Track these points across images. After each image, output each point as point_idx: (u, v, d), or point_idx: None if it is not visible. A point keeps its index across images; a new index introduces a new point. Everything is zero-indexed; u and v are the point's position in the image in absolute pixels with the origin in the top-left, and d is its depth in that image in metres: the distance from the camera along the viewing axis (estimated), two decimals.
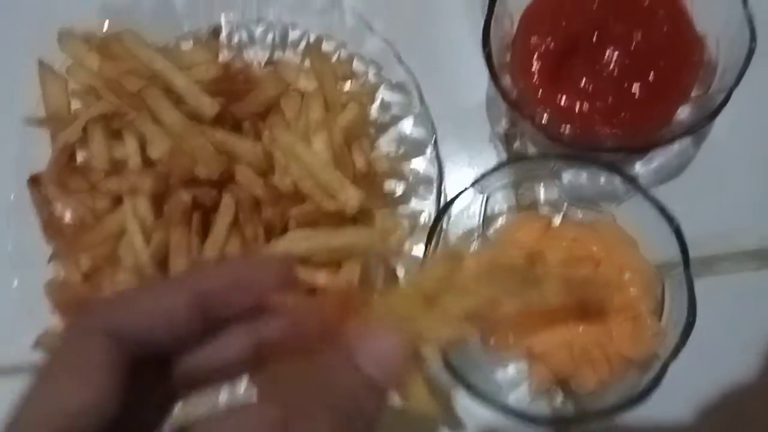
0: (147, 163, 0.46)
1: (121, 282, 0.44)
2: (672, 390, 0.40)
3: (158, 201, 0.45)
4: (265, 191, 0.45)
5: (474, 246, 0.50)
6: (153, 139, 0.45)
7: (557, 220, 0.49)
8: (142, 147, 0.46)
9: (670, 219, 0.42)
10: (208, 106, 0.45)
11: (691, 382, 0.47)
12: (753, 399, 0.48)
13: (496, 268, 0.34)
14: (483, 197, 0.49)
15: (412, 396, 0.27)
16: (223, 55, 0.52)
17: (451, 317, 0.30)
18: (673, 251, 0.42)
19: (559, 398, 0.47)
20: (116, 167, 0.46)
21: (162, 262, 0.44)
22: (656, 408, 0.42)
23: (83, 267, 0.45)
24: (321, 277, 0.45)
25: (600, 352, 0.43)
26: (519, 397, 0.45)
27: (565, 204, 0.49)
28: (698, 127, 0.44)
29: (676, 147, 0.52)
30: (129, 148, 0.45)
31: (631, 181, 0.43)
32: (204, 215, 0.45)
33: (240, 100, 0.48)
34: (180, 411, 0.28)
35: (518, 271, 0.36)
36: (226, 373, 0.27)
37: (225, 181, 0.45)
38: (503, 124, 0.54)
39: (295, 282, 0.28)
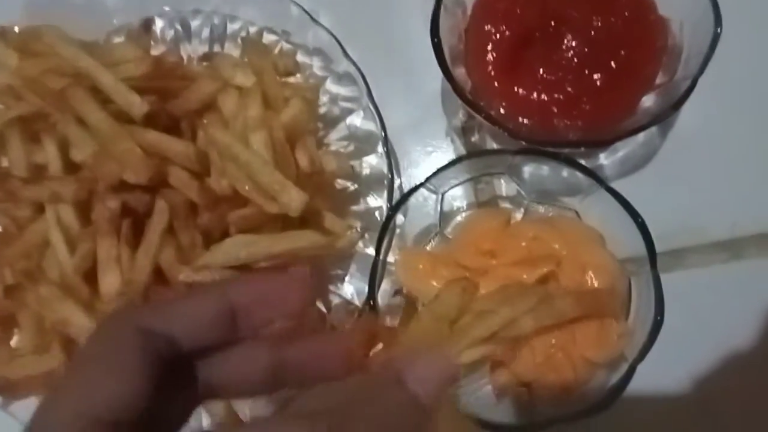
0: (71, 168, 0.42)
1: (46, 296, 0.40)
2: (640, 386, 0.38)
3: (84, 208, 0.41)
4: (201, 195, 0.41)
5: (432, 245, 0.47)
6: (77, 142, 0.41)
7: (517, 216, 0.46)
8: (66, 151, 0.42)
9: (634, 215, 0.39)
10: (137, 105, 0.42)
11: (660, 378, 0.45)
12: (723, 395, 0.46)
13: (509, 288, 0.37)
14: (438, 196, 0.46)
15: (445, 416, 0.28)
16: (156, 51, 0.48)
17: (475, 339, 0.33)
18: (639, 247, 0.39)
19: (521, 403, 0.44)
20: (38, 173, 0.42)
21: (89, 274, 0.41)
22: (624, 405, 0.39)
23: (5, 281, 0.42)
24: None
25: (564, 355, 0.41)
26: (480, 403, 0.42)
27: (525, 200, 0.46)
28: (663, 117, 0.42)
29: (641, 137, 0.49)
30: (49, 153, 0.41)
31: (593, 175, 0.41)
32: (135, 222, 0.42)
33: (175, 97, 0.45)
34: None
35: (531, 289, 0.37)
36: (245, 388, 0.29)
37: (158, 185, 0.42)
38: (460, 117, 0.51)
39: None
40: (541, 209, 0.47)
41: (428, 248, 0.47)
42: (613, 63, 0.44)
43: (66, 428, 0.22)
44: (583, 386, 0.40)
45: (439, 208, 0.47)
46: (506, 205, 0.49)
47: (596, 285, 0.40)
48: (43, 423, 0.23)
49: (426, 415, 0.25)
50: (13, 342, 0.44)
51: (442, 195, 0.47)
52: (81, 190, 0.40)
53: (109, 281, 0.40)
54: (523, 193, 0.47)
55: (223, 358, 0.28)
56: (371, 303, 0.42)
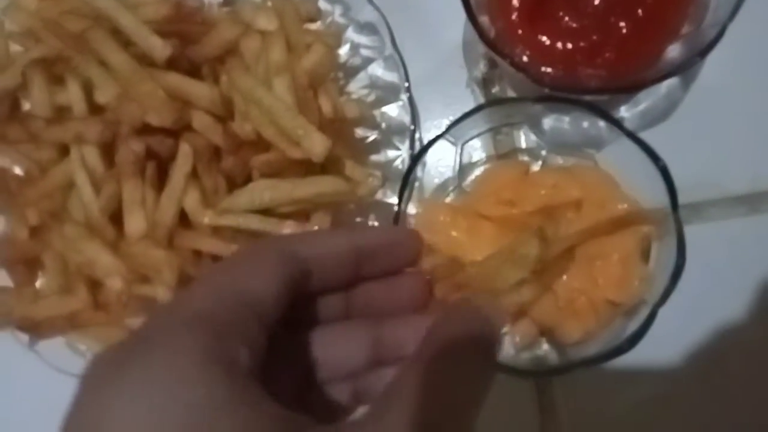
0: (94, 109, 0.42)
1: (71, 237, 0.41)
2: (659, 338, 0.38)
3: (108, 150, 0.42)
4: (225, 139, 0.42)
5: (450, 197, 0.47)
6: (99, 84, 0.41)
7: (536, 167, 0.46)
8: (89, 93, 0.42)
9: (655, 159, 0.39)
10: (160, 47, 0.42)
11: (679, 331, 0.45)
12: (741, 346, 0.47)
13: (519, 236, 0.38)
14: (458, 147, 0.46)
15: None
16: None
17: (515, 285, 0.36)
18: (660, 194, 0.39)
19: (543, 348, 0.45)
20: (60, 115, 0.42)
21: (114, 215, 0.41)
22: (642, 355, 0.40)
23: (30, 222, 0.42)
24: (288, 228, 0.42)
25: (586, 300, 0.41)
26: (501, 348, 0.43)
27: (544, 151, 0.46)
28: (688, 66, 0.41)
29: (663, 89, 0.49)
30: (72, 94, 0.41)
31: (613, 121, 0.40)
32: (159, 165, 0.42)
33: (196, 42, 0.44)
34: None
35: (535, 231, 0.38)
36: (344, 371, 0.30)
37: (181, 128, 0.42)
38: (481, 68, 0.51)
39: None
40: (560, 160, 0.47)
41: (447, 201, 0.47)
42: (639, 10, 0.44)
43: (216, 303, 0.24)
44: (604, 330, 0.40)
45: (458, 160, 0.47)
46: (524, 157, 0.48)
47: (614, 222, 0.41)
48: (188, 298, 0.24)
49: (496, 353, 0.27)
50: (38, 284, 0.45)
51: (462, 146, 0.46)
52: (106, 131, 0.40)
53: (134, 223, 0.40)
54: (542, 143, 0.47)
55: (328, 330, 0.30)
56: None
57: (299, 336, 0.29)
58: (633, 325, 0.39)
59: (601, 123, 0.42)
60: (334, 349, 0.29)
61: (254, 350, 0.23)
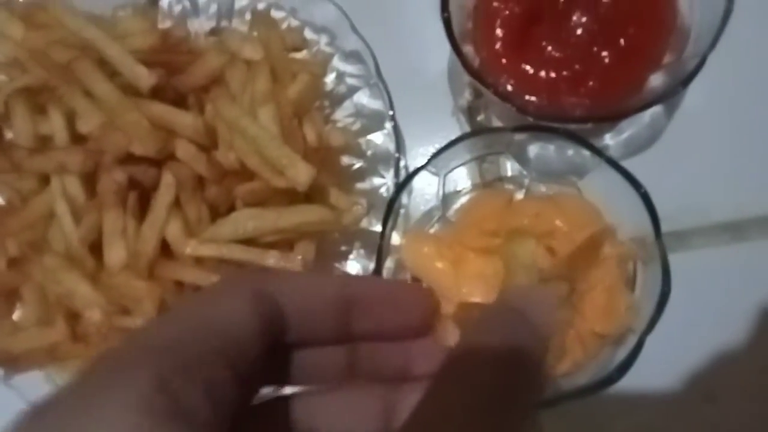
0: (77, 140, 0.42)
1: (50, 267, 0.40)
2: (646, 367, 0.38)
3: (90, 180, 0.41)
4: (209, 168, 0.41)
5: (435, 227, 0.47)
6: (83, 113, 0.41)
7: (519, 196, 0.46)
8: (72, 122, 0.42)
9: (637, 186, 0.39)
10: (145, 77, 0.42)
11: (666, 359, 0.44)
12: (726, 377, 0.47)
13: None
14: (440, 178, 0.45)
15: None
16: (163, 26, 0.48)
17: None
18: (643, 221, 0.39)
19: None
20: (43, 144, 0.42)
21: (95, 246, 0.40)
22: (630, 385, 0.39)
23: (10, 252, 0.41)
24: (272, 258, 0.41)
25: (572, 332, 0.41)
26: None
27: (526, 179, 0.46)
28: (670, 95, 0.42)
29: (647, 117, 0.49)
30: (55, 123, 0.41)
31: (594, 149, 0.40)
32: (142, 195, 0.42)
33: (181, 72, 0.44)
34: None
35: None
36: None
37: (165, 158, 0.42)
38: (466, 96, 0.51)
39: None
40: (543, 188, 0.47)
41: (432, 231, 0.47)
42: (621, 40, 0.44)
43: (179, 333, 0.20)
44: (592, 361, 0.40)
45: (441, 190, 0.47)
46: (509, 185, 0.48)
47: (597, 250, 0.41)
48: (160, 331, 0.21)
49: (546, 343, 0.25)
50: (16, 316, 0.44)
51: (444, 177, 0.46)
52: (87, 161, 0.40)
53: (115, 253, 0.40)
54: (524, 172, 0.47)
55: (329, 396, 0.26)
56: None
57: (292, 401, 0.25)
58: (621, 355, 0.39)
59: (585, 151, 0.42)
60: (335, 417, 0.25)
61: (220, 402, 0.19)
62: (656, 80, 0.45)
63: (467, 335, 0.24)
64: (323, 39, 0.49)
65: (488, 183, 0.49)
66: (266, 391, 0.25)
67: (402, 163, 0.50)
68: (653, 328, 0.38)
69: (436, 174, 0.44)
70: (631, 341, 0.39)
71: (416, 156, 0.51)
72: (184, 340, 0.20)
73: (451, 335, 0.29)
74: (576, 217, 0.42)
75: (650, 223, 0.40)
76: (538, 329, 0.24)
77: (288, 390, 0.26)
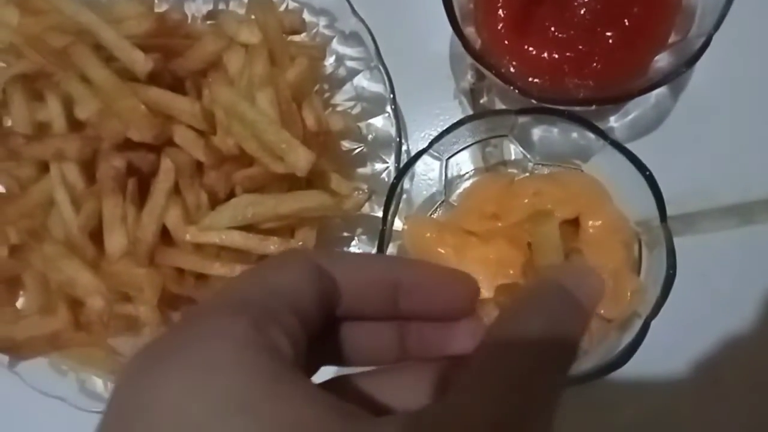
0: (75, 126, 0.41)
1: (51, 255, 0.40)
2: (653, 351, 0.37)
3: (89, 167, 0.41)
4: (207, 154, 0.41)
5: (438, 212, 0.46)
6: (80, 100, 0.41)
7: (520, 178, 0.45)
8: (69, 109, 0.41)
9: (642, 168, 0.39)
10: (142, 62, 0.41)
11: (673, 343, 0.44)
12: (733, 360, 0.46)
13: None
14: (442, 162, 0.45)
15: None
16: (160, 9, 0.47)
17: None
18: (649, 204, 0.39)
19: None
20: (41, 131, 0.42)
21: (95, 233, 0.40)
22: (637, 369, 0.40)
23: (10, 240, 0.41)
24: (272, 245, 0.41)
25: None
26: None
27: (530, 163, 0.45)
28: (675, 75, 0.41)
29: (652, 99, 0.48)
30: (52, 110, 0.41)
31: (598, 131, 0.40)
32: (141, 181, 0.41)
33: (179, 56, 0.44)
34: None
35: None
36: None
37: (163, 144, 0.41)
38: (468, 79, 0.50)
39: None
40: (546, 170, 0.46)
41: (434, 216, 0.47)
42: (625, 20, 0.43)
43: (256, 292, 0.23)
44: (598, 345, 0.40)
45: (443, 175, 0.46)
46: (513, 169, 0.48)
47: (600, 231, 0.40)
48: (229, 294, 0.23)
49: (588, 319, 0.25)
50: (19, 303, 0.44)
51: (446, 161, 0.46)
52: (86, 148, 0.40)
53: (115, 240, 0.40)
54: (528, 155, 0.46)
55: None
56: None
57: (349, 380, 0.26)
58: (626, 339, 0.39)
59: (589, 134, 0.42)
60: (391, 395, 0.26)
61: (296, 345, 0.22)
62: (661, 61, 0.44)
63: (506, 316, 0.25)
64: (322, 21, 0.48)
65: (491, 167, 0.48)
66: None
67: (404, 148, 0.49)
68: (659, 312, 0.38)
69: (438, 158, 0.44)
70: (637, 325, 0.38)
71: (418, 140, 0.51)
72: (263, 297, 0.23)
73: (490, 316, 0.30)
74: (578, 192, 0.42)
75: (655, 207, 0.39)
76: (582, 307, 0.25)
77: (345, 370, 0.27)
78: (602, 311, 0.40)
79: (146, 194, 0.41)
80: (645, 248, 0.41)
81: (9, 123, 0.45)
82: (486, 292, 0.38)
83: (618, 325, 0.40)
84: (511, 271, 0.41)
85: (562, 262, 0.35)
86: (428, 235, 0.42)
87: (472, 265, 0.40)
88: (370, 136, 0.48)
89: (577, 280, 0.26)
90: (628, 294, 0.40)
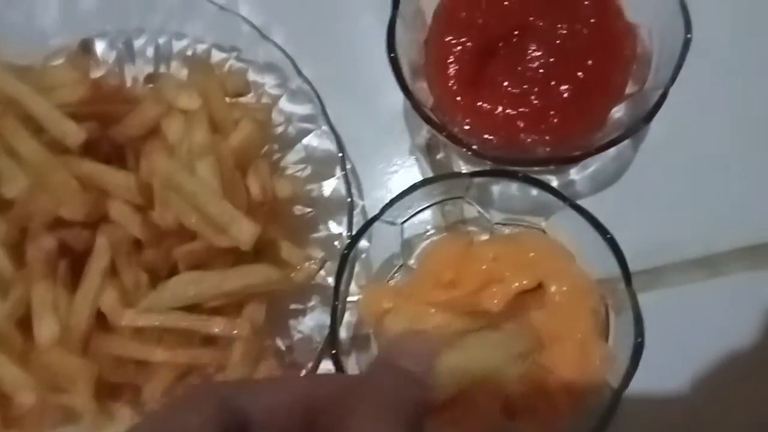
0: (1, 205, 0.39)
1: None
2: (623, 407, 0.36)
3: (17, 249, 0.38)
4: (145, 230, 0.38)
5: (396, 277, 0.44)
6: (7, 176, 0.38)
7: (483, 238, 0.43)
8: None
9: (602, 231, 0.37)
10: (74, 133, 0.39)
11: (642, 399, 0.42)
12: (706, 413, 0.44)
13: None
14: (398, 227, 0.43)
15: None
16: (98, 73, 0.45)
17: None
18: (612, 266, 0.37)
19: None
20: None
21: (23, 321, 0.37)
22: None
23: None
24: (217, 326, 0.39)
25: (541, 390, 0.39)
26: None
27: (489, 223, 0.43)
28: (633, 131, 0.40)
29: (612, 151, 0.47)
30: None
31: (557, 193, 0.38)
32: (74, 261, 0.39)
33: (117, 122, 0.42)
34: None
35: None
36: None
37: (97, 220, 0.39)
38: (424, 134, 0.49)
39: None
40: (507, 231, 0.45)
41: (393, 282, 0.44)
42: (580, 73, 0.42)
43: None
44: (570, 417, 0.38)
45: (401, 239, 0.44)
46: (472, 227, 0.46)
47: (565, 297, 0.38)
48: None
49: (423, 385, 0.29)
50: None
51: (402, 225, 0.44)
52: (12, 231, 0.37)
53: (45, 329, 0.37)
54: (486, 215, 0.44)
55: None
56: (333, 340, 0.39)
57: None
58: (600, 408, 0.36)
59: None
60: None
61: None
62: (619, 112, 0.43)
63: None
64: (269, 80, 0.46)
65: (450, 225, 0.46)
66: None
67: (360, 206, 0.48)
68: (630, 382, 0.36)
69: (392, 223, 0.42)
70: (608, 395, 0.36)
71: (376, 199, 0.48)
72: None
73: None
74: (540, 257, 0.40)
75: (619, 269, 0.38)
76: (413, 374, 0.29)
77: None
78: (573, 381, 0.38)
79: (80, 275, 0.38)
80: (612, 312, 0.40)
81: None
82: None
83: (588, 395, 0.39)
84: None
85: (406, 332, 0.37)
86: (384, 305, 0.40)
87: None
88: (325, 196, 0.45)
89: (405, 355, 0.30)
90: (597, 362, 0.38)
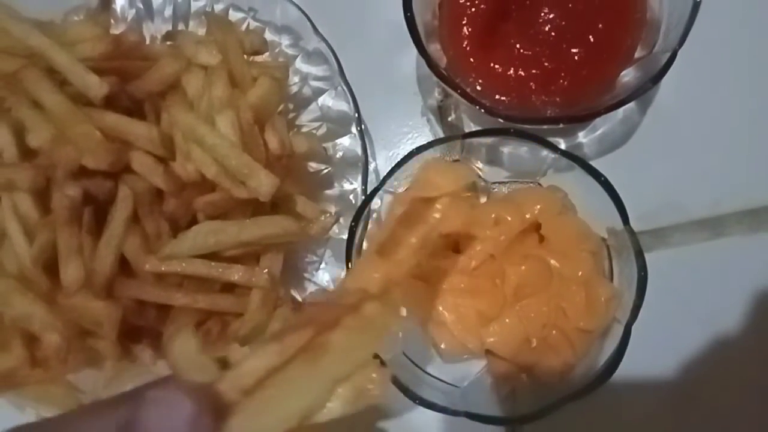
0: (27, 154, 0.40)
1: (4, 291, 0.38)
2: (626, 366, 0.38)
3: (42, 197, 0.39)
4: (166, 180, 0.40)
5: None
6: (32, 126, 0.39)
7: (485, 198, 0.45)
8: (21, 136, 0.40)
9: (596, 175, 0.39)
10: (96, 86, 0.40)
11: (648, 357, 0.44)
12: (708, 373, 0.46)
13: None
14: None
15: None
16: (117, 30, 0.46)
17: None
18: (611, 211, 0.38)
19: (524, 390, 0.43)
20: None
21: (49, 265, 0.39)
22: (611, 385, 0.39)
23: None
24: (236, 273, 0.40)
25: (558, 332, 0.40)
26: (480, 398, 0.42)
27: (484, 183, 0.45)
28: (641, 92, 0.41)
29: (620, 114, 0.48)
30: (2, 138, 0.39)
31: (549, 144, 0.40)
32: (98, 210, 0.40)
33: (136, 78, 0.42)
34: None
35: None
36: None
37: (120, 170, 0.40)
38: (436, 96, 0.50)
39: None
40: (504, 189, 0.46)
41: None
42: (591, 37, 0.43)
43: None
44: (583, 359, 0.39)
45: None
46: (483, 185, 0.47)
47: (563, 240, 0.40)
48: None
49: None
50: None
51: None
52: (38, 177, 0.38)
53: (71, 273, 0.38)
54: (482, 176, 0.46)
55: None
56: None
57: None
58: (610, 347, 0.38)
59: (543, 151, 0.41)
60: None
61: None
62: (628, 76, 0.44)
63: None
64: (285, 40, 0.47)
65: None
66: None
67: (372, 166, 0.49)
68: (637, 315, 0.38)
69: (393, 193, 0.43)
70: (618, 332, 0.38)
71: (387, 158, 0.50)
72: None
73: None
74: (538, 212, 0.41)
75: (616, 211, 0.39)
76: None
77: None
78: (581, 323, 0.40)
79: (103, 224, 0.39)
80: (614, 255, 0.41)
81: None
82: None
83: (599, 336, 0.40)
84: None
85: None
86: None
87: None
88: (338, 155, 0.47)
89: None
90: (603, 301, 0.40)
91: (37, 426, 0.26)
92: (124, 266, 0.40)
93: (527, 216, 0.41)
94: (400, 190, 0.42)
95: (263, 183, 0.38)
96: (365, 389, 0.26)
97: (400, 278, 0.32)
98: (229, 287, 0.41)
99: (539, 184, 0.44)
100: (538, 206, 0.41)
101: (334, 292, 0.38)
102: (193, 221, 0.41)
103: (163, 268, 0.39)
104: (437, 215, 0.34)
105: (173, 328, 0.40)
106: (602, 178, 0.38)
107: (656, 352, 0.45)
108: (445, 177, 0.37)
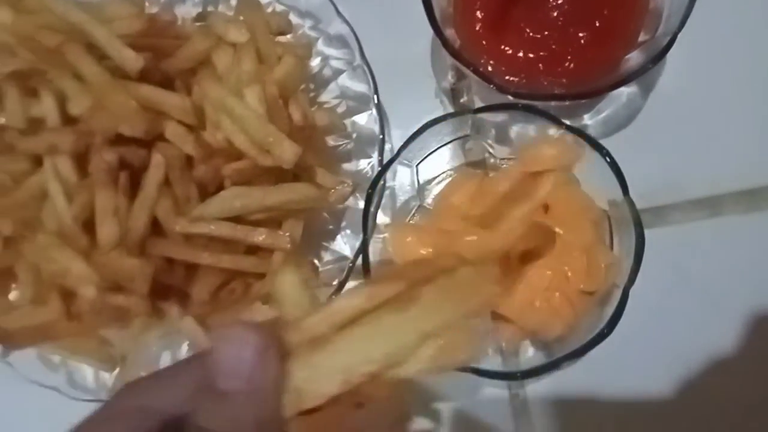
0: (68, 122, 0.43)
1: (44, 246, 0.41)
2: (627, 340, 0.40)
3: (81, 161, 0.42)
4: (197, 148, 0.42)
5: (415, 218, 0.48)
6: (73, 96, 0.42)
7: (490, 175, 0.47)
8: (63, 105, 0.43)
9: (598, 147, 0.41)
10: (133, 59, 0.42)
11: (641, 335, 0.46)
12: (704, 352, 0.48)
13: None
14: (413, 168, 0.47)
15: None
16: (150, 10, 0.49)
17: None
18: (613, 183, 0.41)
19: (528, 351, 0.46)
20: (34, 126, 0.43)
21: (87, 224, 0.41)
22: (611, 358, 0.42)
23: (3, 232, 0.42)
24: (260, 236, 0.42)
25: (561, 295, 0.43)
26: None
27: (493, 159, 0.47)
28: (642, 71, 0.43)
29: (624, 97, 0.51)
30: (46, 106, 0.42)
31: (553, 118, 0.42)
32: (132, 175, 0.43)
33: (169, 56, 0.45)
34: None
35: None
36: None
37: (154, 138, 0.43)
38: (449, 78, 0.52)
39: None
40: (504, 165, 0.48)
41: (413, 221, 0.49)
42: (596, 21, 0.46)
43: None
44: (582, 321, 0.41)
45: (416, 180, 0.48)
46: (492, 162, 0.50)
47: (579, 222, 0.42)
48: None
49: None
50: (11, 295, 0.45)
51: (416, 167, 0.48)
52: (79, 142, 0.41)
53: (107, 231, 0.41)
54: (492, 152, 0.48)
55: None
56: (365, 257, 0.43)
57: None
58: (609, 310, 0.40)
59: (551, 129, 0.43)
60: None
61: None
62: (632, 60, 0.46)
63: None
64: (307, 23, 0.50)
65: (473, 163, 0.50)
66: None
67: (387, 146, 0.51)
68: (635, 280, 0.40)
69: (408, 165, 0.45)
70: (617, 295, 0.40)
71: (401, 138, 0.51)
72: None
73: None
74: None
75: (617, 183, 0.41)
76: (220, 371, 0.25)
77: None
78: (582, 286, 0.42)
79: (137, 188, 0.42)
80: (615, 226, 0.44)
81: (2, 120, 0.46)
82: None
83: (599, 299, 0.42)
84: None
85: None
86: (409, 239, 0.44)
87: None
88: (354, 134, 0.49)
89: (220, 345, 0.25)
90: (603, 267, 0.42)
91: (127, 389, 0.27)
92: (156, 227, 0.42)
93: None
94: (414, 162, 0.45)
95: (287, 151, 0.41)
96: (451, 350, 0.26)
97: (500, 250, 0.35)
98: (252, 250, 0.44)
99: None
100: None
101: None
102: (221, 187, 0.43)
103: (191, 229, 0.42)
104: (543, 191, 0.38)
105: (199, 287, 0.43)
106: (604, 151, 0.41)
107: (655, 327, 0.47)
108: (551, 152, 0.41)
